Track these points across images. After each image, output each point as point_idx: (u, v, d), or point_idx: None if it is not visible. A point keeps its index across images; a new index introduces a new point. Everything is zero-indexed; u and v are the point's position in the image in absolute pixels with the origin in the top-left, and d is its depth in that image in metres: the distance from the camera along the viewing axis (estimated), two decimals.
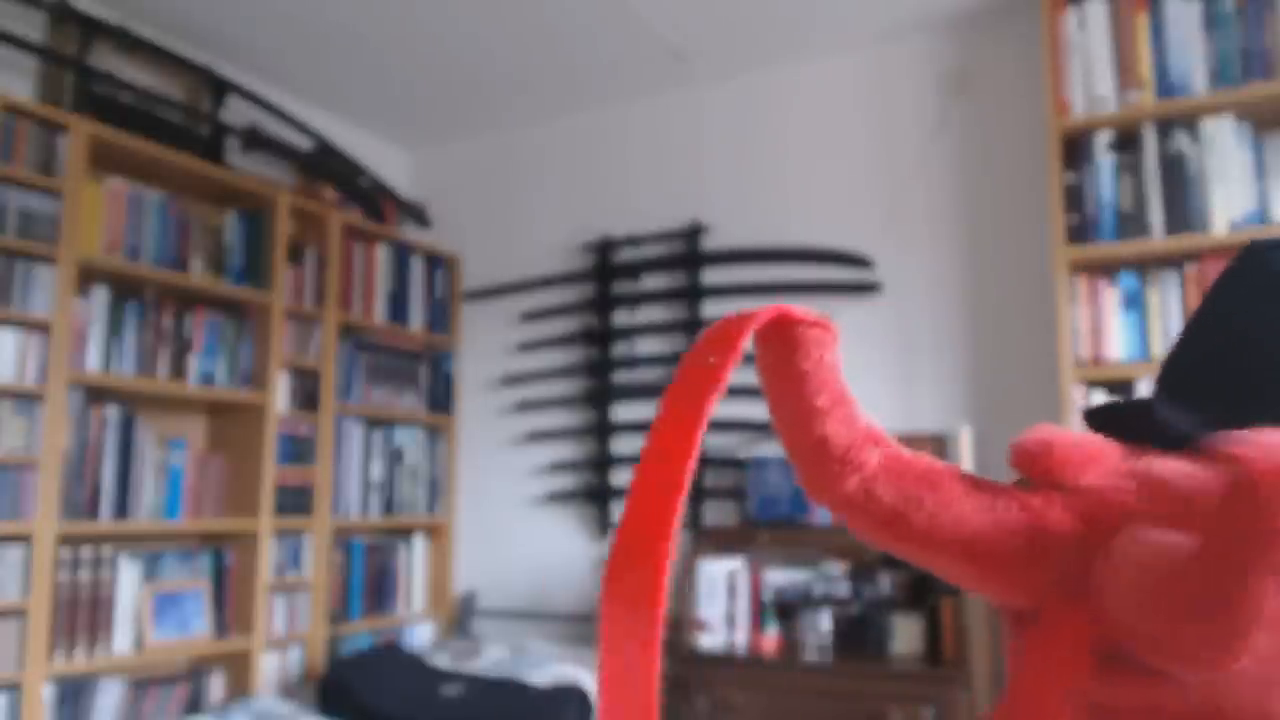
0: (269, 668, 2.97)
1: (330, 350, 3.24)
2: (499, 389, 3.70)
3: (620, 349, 3.44)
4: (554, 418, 3.57)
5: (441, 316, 3.78)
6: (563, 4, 2.93)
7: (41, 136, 2.52)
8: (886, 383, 2.99)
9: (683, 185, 3.45)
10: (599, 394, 3.43)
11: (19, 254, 2.44)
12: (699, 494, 3.21)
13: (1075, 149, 2.58)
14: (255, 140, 3.21)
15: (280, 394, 3.05)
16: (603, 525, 3.38)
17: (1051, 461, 0.52)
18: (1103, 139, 2.54)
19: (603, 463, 3.39)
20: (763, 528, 2.93)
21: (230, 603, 2.94)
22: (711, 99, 3.45)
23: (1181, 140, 2.46)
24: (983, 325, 2.93)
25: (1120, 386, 2.47)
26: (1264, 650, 0.42)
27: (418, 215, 3.88)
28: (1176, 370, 0.59)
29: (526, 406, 3.60)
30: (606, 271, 3.47)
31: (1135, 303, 2.49)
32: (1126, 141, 2.54)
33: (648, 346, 3.41)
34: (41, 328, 2.46)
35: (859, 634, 2.67)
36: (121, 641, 2.63)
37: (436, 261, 3.77)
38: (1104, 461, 0.52)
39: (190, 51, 3.13)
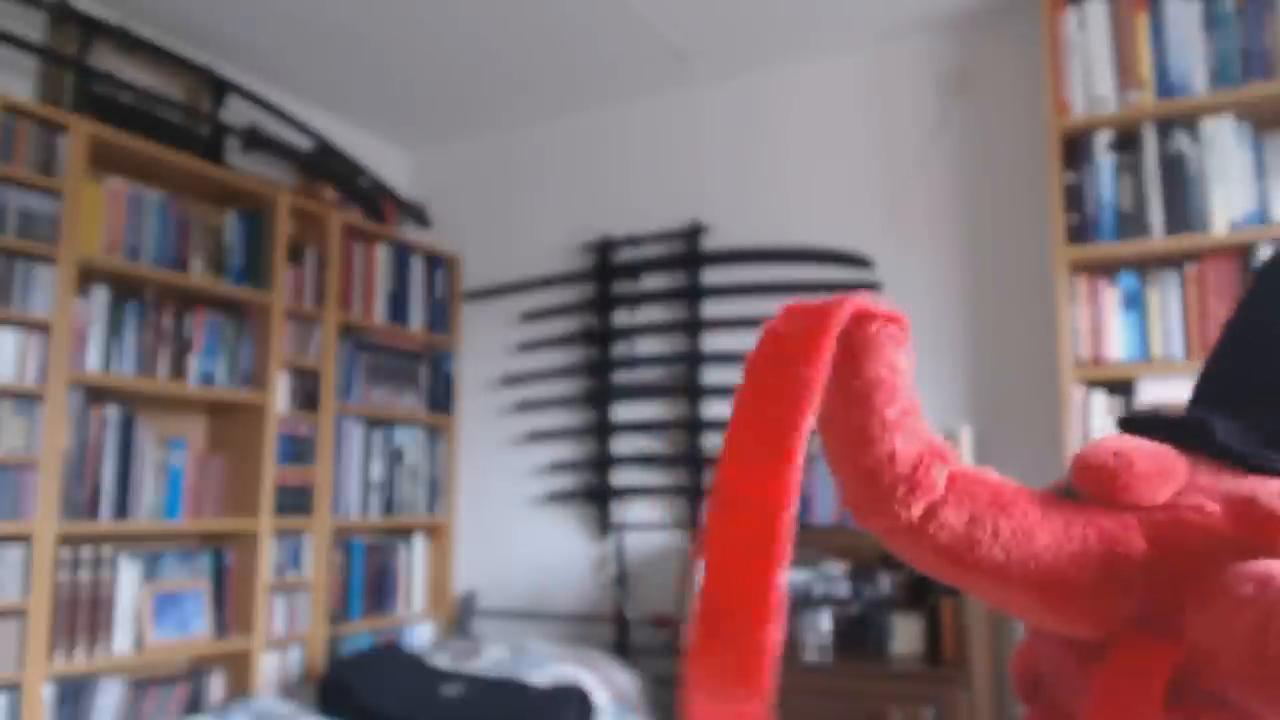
0: (269, 668, 2.97)
1: (330, 350, 3.24)
2: (499, 389, 3.71)
3: (620, 349, 3.44)
4: (554, 418, 3.57)
5: (441, 316, 3.78)
6: (563, 4, 2.93)
7: (41, 136, 2.52)
8: None
9: (683, 185, 3.45)
10: (599, 394, 3.43)
11: (19, 254, 2.44)
12: (698, 494, 3.22)
13: (1075, 149, 2.58)
14: (255, 140, 3.21)
15: (280, 394, 3.05)
16: (603, 525, 3.38)
17: (1131, 477, 0.46)
18: (1103, 139, 2.54)
19: (603, 463, 3.39)
20: None
21: (230, 603, 2.94)
22: (712, 99, 3.45)
23: (1181, 140, 2.46)
24: (983, 325, 2.93)
25: (1120, 386, 2.47)
26: None
27: (418, 215, 3.88)
28: (1217, 380, 0.58)
29: (526, 406, 3.60)
30: (606, 271, 3.47)
31: (1135, 303, 2.49)
32: (1126, 141, 2.54)
33: (648, 346, 3.41)
34: (41, 328, 2.46)
35: (859, 634, 2.67)
36: (121, 641, 2.63)
37: (436, 261, 3.77)
38: (1177, 476, 0.47)
39: (190, 51, 3.13)
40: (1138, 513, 0.47)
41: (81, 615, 2.54)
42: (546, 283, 3.61)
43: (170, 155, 2.82)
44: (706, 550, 0.37)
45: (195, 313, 2.90)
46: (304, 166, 3.43)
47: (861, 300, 0.45)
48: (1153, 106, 2.48)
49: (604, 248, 3.48)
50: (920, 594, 2.67)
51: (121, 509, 2.66)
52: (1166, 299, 2.46)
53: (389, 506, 3.49)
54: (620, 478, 3.40)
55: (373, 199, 3.65)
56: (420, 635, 3.53)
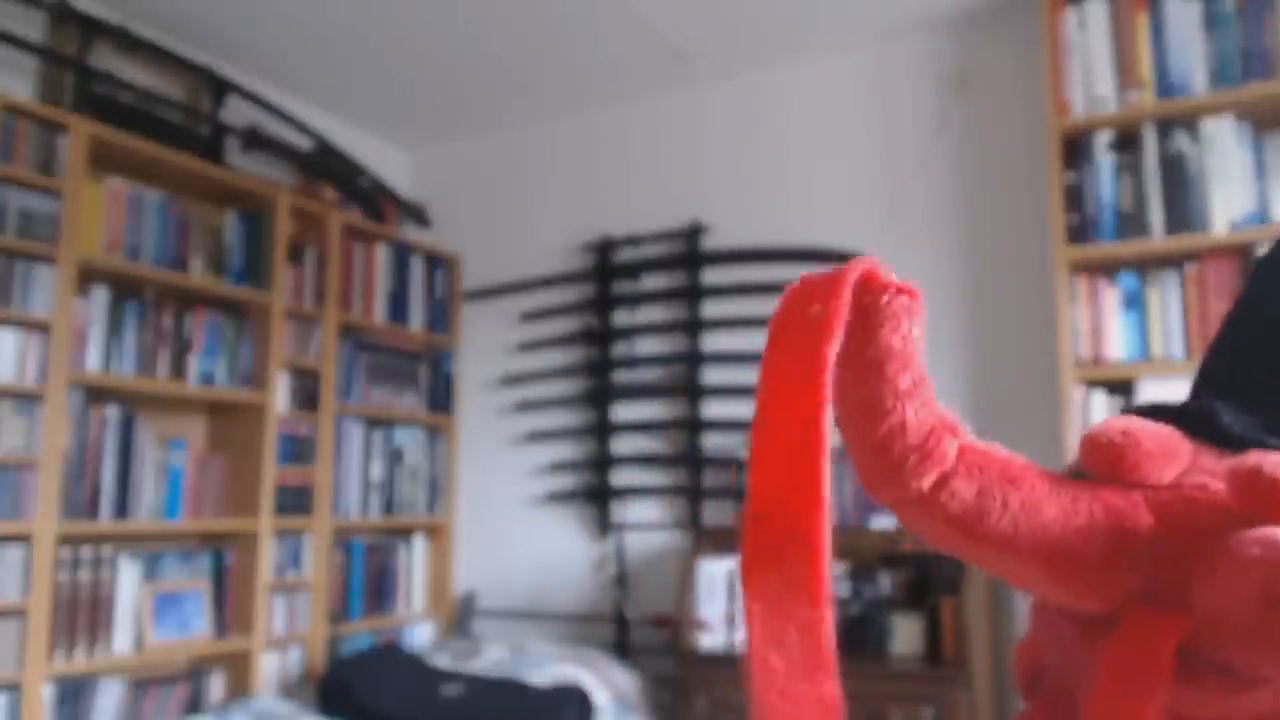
0: (269, 668, 2.97)
1: (330, 350, 3.24)
2: (499, 389, 3.71)
3: (620, 349, 3.44)
4: (554, 418, 3.57)
5: (441, 316, 3.78)
6: (563, 4, 2.93)
7: (41, 136, 2.52)
8: None
9: (683, 185, 3.45)
10: (599, 394, 3.43)
11: (19, 254, 2.44)
12: (698, 494, 3.22)
13: (1075, 149, 2.58)
14: (255, 140, 3.21)
15: (280, 394, 3.05)
16: (603, 525, 3.38)
17: (1139, 455, 0.47)
18: (1103, 139, 2.54)
19: (603, 463, 3.39)
20: None
21: (230, 603, 2.94)
22: (712, 99, 3.45)
23: (1181, 140, 2.46)
24: (983, 325, 2.93)
25: (1120, 386, 2.47)
26: None
27: (418, 215, 3.88)
28: (1219, 373, 0.57)
29: (526, 406, 3.60)
30: (606, 271, 3.47)
31: (1135, 303, 2.49)
32: (1126, 141, 2.54)
33: (648, 346, 3.41)
34: (41, 328, 2.46)
35: (859, 634, 2.67)
36: (121, 641, 2.63)
37: (436, 261, 3.77)
38: (1182, 457, 0.48)
39: (190, 51, 3.13)
40: (1144, 490, 0.47)
41: (81, 615, 2.54)
42: (546, 283, 3.61)
43: (170, 155, 2.82)
44: (750, 466, 0.38)
45: (195, 313, 2.90)
46: (304, 166, 3.43)
47: (874, 264, 0.45)
48: (1153, 106, 2.48)
49: (604, 248, 3.48)
50: (920, 594, 2.67)
51: (121, 509, 2.66)
52: (1166, 299, 2.46)
53: (389, 506, 3.49)
54: (620, 478, 3.40)
55: (373, 199, 3.65)
56: (420, 635, 3.53)
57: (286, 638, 3.03)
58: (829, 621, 0.36)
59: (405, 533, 3.59)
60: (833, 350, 0.40)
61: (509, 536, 3.61)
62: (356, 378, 3.40)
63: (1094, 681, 0.47)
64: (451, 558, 3.69)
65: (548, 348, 3.60)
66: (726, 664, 2.71)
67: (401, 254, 3.62)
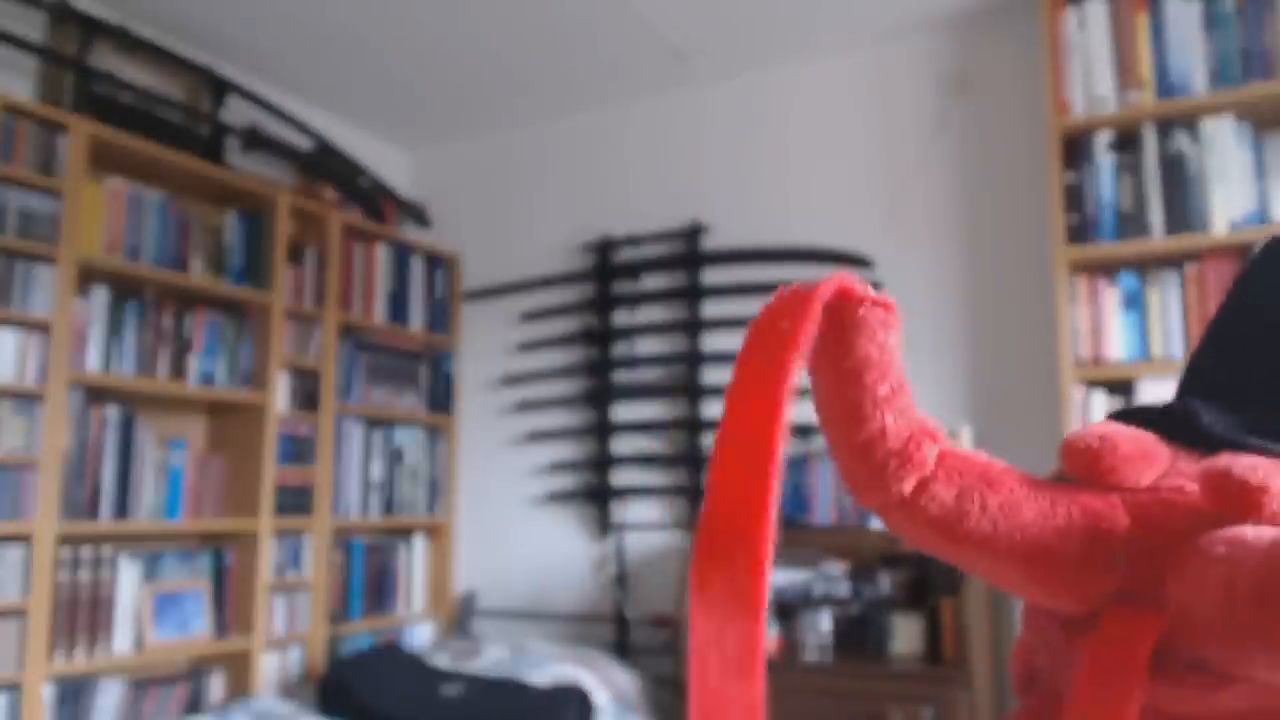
0: (269, 668, 2.97)
1: (330, 350, 3.24)
2: (499, 389, 3.71)
3: (620, 349, 3.44)
4: (554, 418, 3.57)
5: (441, 316, 3.78)
6: (563, 4, 2.93)
7: (41, 136, 2.52)
8: None
9: (683, 185, 3.45)
10: (599, 394, 3.43)
11: (19, 254, 2.44)
12: (698, 494, 3.21)
13: (1075, 149, 2.58)
14: (255, 140, 3.21)
15: (280, 394, 3.05)
16: (603, 525, 3.38)
17: (1116, 459, 0.48)
18: (1103, 139, 2.54)
19: (603, 463, 3.39)
20: None
21: (230, 603, 2.94)
22: (712, 99, 3.45)
23: (1181, 140, 2.46)
24: (983, 325, 2.93)
25: (1120, 386, 2.47)
26: None
27: (418, 215, 3.88)
28: (1206, 371, 0.58)
29: (526, 406, 3.60)
30: (606, 271, 3.47)
31: (1135, 303, 2.49)
32: (1126, 141, 2.54)
33: (648, 346, 3.41)
34: (41, 328, 2.46)
35: (859, 634, 2.67)
36: (121, 641, 2.63)
37: (436, 261, 3.77)
38: (1160, 461, 0.49)
39: (190, 51, 3.13)
40: (1122, 493, 0.48)
41: (81, 615, 2.54)
42: (546, 283, 3.61)
43: (170, 155, 2.82)
44: (709, 475, 0.40)
45: (195, 313, 2.90)
46: (304, 166, 3.43)
47: (848, 279, 0.46)
48: (1153, 106, 2.48)
49: (604, 248, 3.48)
50: (920, 594, 2.67)
51: (121, 509, 2.66)
52: (1166, 299, 2.46)
53: (389, 506, 3.49)
54: (620, 478, 3.40)
55: (373, 199, 3.65)
56: (420, 635, 3.53)
57: (286, 638, 3.03)
58: (762, 631, 0.38)
59: (405, 533, 3.59)
60: (795, 366, 0.41)
61: (509, 536, 3.61)
62: (356, 378, 3.40)
63: (1075, 679, 0.48)
64: (451, 558, 3.69)
65: (548, 348, 3.60)
66: None
67: (401, 254, 3.62)
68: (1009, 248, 2.91)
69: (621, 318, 3.47)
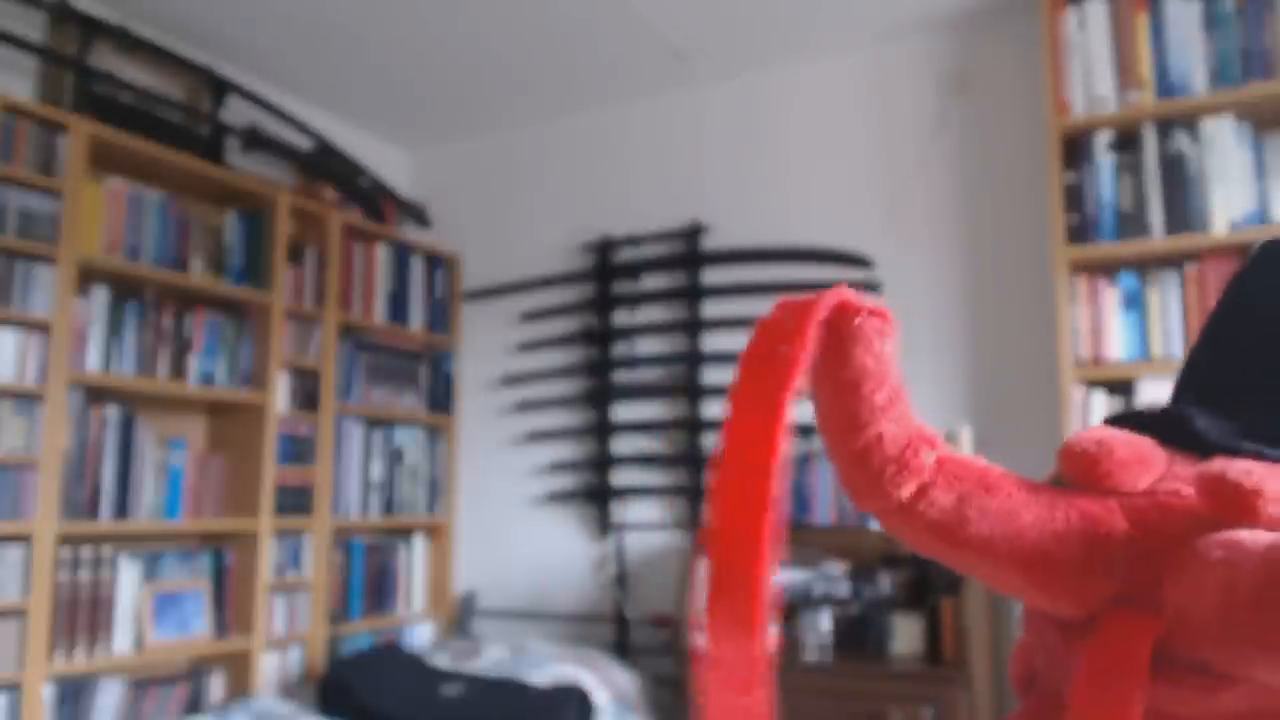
0: (269, 668, 2.97)
1: (330, 350, 3.24)
2: (499, 389, 3.71)
3: (620, 349, 3.44)
4: (554, 418, 3.57)
5: (441, 316, 3.78)
6: (563, 4, 2.94)
7: (41, 136, 2.52)
8: None
9: (683, 185, 3.45)
10: (599, 394, 3.43)
11: (19, 254, 2.44)
12: (698, 494, 3.22)
13: (1075, 149, 2.58)
14: (255, 140, 3.21)
15: (280, 394, 3.05)
16: (603, 525, 3.38)
17: (1113, 464, 0.49)
18: (1103, 139, 2.54)
19: (603, 463, 3.39)
20: None
21: (230, 603, 2.94)
22: (712, 99, 3.45)
23: (1181, 140, 2.46)
24: (983, 325, 2.93)
25: (1120, 386, 2.47)
26: None
27: (418, 215, 3.88)
28: (1202, 372, 0.58)
29: (526, 406, 3.60)
30: (606, 271, 3.47)
31: (1135, 303, 2.49)
32: (1126, 141, 2.54)
33: (648, 346, 3.41)
34: (41, 328, 2.46)
35: (859, 634, 2.67)
36: (121, 641, 2.63)
37: (436, 261, 3.77)
38: (1157, 465, 0.50)
39: (190, 51, 3.13)
40: (1120, 497, 0.49)
41: (81, 615, 2.54)
42: (546, 283, 3.61)
43: (170, 155, 2.82)
44: (712, 501, 0.42)
45: (195, 313, 2.90)
46: (304, 166, 3.43)
47: (845, 293, 0.48)
48: (1153, 106, 2.48)
49: (604, 248, 3.48)
50: (920, 594, 2.67)
51: (121, 509, 2.66)
52: (1166, 299, 2.46)
53: (389, 506, 3.49)
54: (620, 478, 3.40)
55: (373, 199, 3.65)
56: (420, 635, 3.53)
57: (286, 638, 3.03)
58: (764, 650, 0.41)
59: (405, 533, 3.59)
60: (792, 397, 0.42)
61: (509, 536, 3.61)
62: (356, 378, 3.40)
63: (1074, 682, 0.48)
64: (451, 558, 3.69)
65: (548, 348, 3.60)
66: None
67: (401, 254, 3.62)
68: (1009, 248, 2.91)
69: (621, 318, 3.47)
